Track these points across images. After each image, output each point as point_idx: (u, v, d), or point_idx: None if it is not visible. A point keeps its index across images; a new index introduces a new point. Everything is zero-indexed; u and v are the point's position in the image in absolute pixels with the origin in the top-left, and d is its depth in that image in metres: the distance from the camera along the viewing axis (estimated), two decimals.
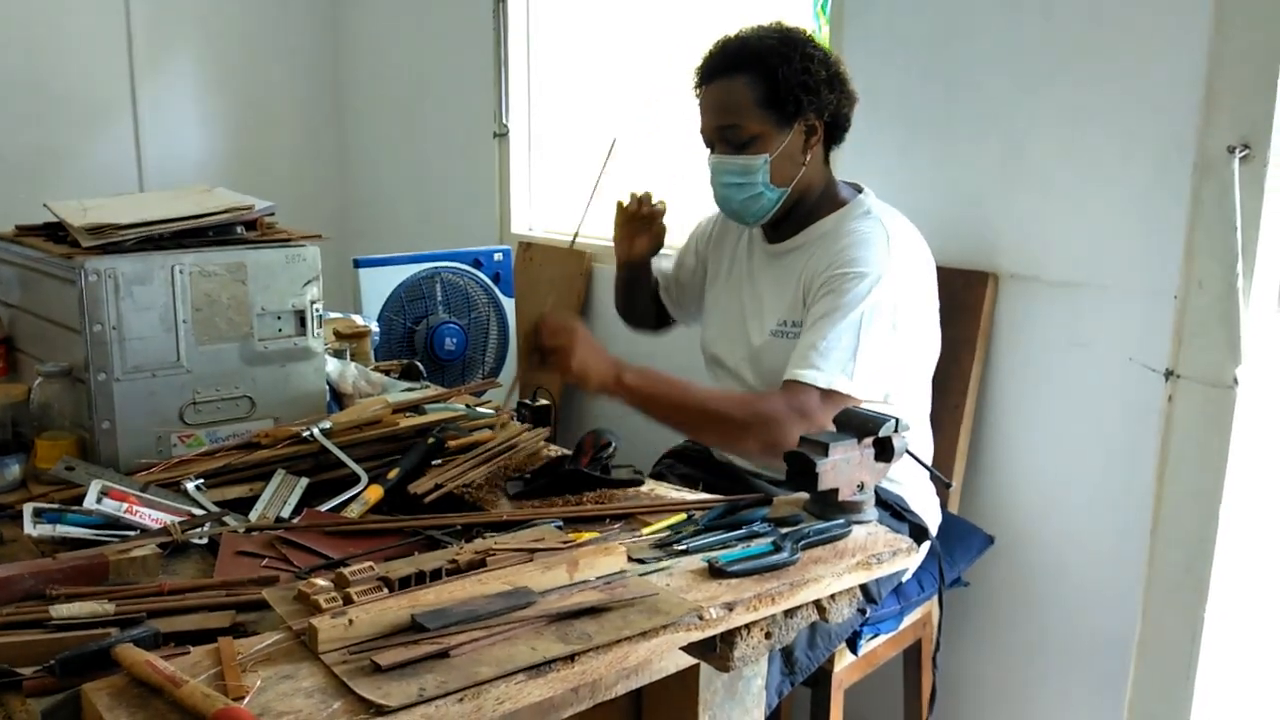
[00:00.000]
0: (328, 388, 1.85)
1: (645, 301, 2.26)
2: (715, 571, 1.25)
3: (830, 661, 1.82)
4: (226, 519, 1.46)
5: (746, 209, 1.85)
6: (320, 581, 1.13)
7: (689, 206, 2.42)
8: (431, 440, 1.67)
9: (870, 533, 1.40)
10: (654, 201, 2.13)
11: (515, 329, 3.08)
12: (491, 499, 1.57)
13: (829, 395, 1.68)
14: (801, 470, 1.39)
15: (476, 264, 3.00)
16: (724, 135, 1.81)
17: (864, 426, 1.44)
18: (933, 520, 1.96)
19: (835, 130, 1.87)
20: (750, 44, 1.80)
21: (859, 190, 1.90)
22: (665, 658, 1.31)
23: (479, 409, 1.86)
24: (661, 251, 2.22)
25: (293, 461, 1.62)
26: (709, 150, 1.86)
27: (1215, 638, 1.85)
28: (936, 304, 1.90)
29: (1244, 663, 1.91)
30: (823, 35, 2.52)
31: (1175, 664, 1.88)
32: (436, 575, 1.16)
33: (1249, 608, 1.89)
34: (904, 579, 1.89)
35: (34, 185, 3.48)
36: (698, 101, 1.86)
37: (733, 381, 1.96)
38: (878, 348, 1.71)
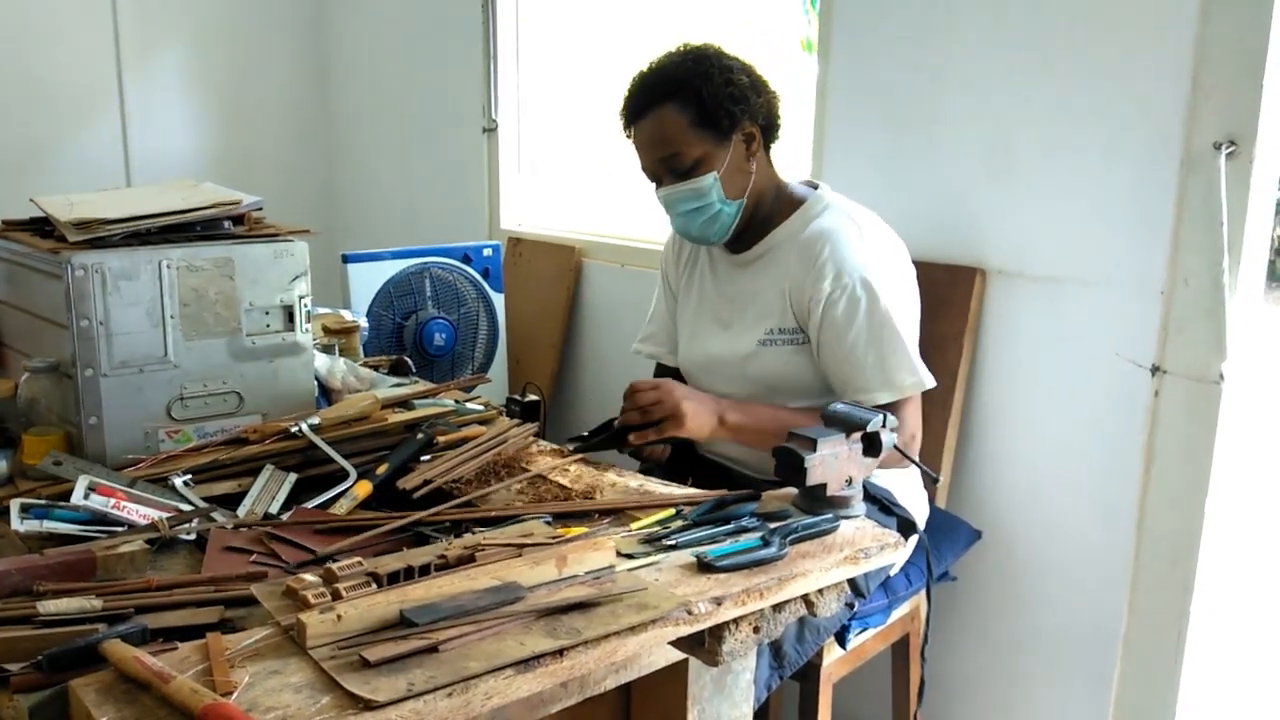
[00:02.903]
0: (316, 383, 1.84)
1: None
2: (704, 566, 1.25)
3: (818, 655, 1.83)
4: (214, 515, 1.46)
5: (709, 230, 1.86)
6: (308, 577, 1.13)
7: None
8: (420, 436, 1.67)
9: (858, 527, 1.41)
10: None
11: (504, 326, 3.08)
12: (481, 494, 1.57)
13: (908, 400, 1.79)
14: (790, 465, 1.40)
15: (466, 259, 3.01)
16: (668, 166, 1.81)
17: (851, 422, 1.45)
18: (920, 515, 1.97)
19: (770, 131, 1.88)
20: (667, 72, 1.81)
21: (814, 187, 1.91)
22: (654, 652, 1.32)
23: (468, 404, 1.87)
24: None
25: (281, 457, 1.62)
26: (655, 185, 1.86)
27: (1201, 632, 1.86)
28: (916, 286, 1.91)
29: (1229, 657, 1.93)
30: (812, 31, 2.52)
31: (1161, 657, 1.89)
32: (425, 570, 1.16)
33: (1234, 602, 1.90)
34: (892, 573, 1.90)
35: (20, 180, 3.47)
36: (631, 142, 1.87)
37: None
38: (910, 331, 1.81)
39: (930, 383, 1.82)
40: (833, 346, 1.79)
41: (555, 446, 1.77)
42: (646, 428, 1.71)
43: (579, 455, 1.71)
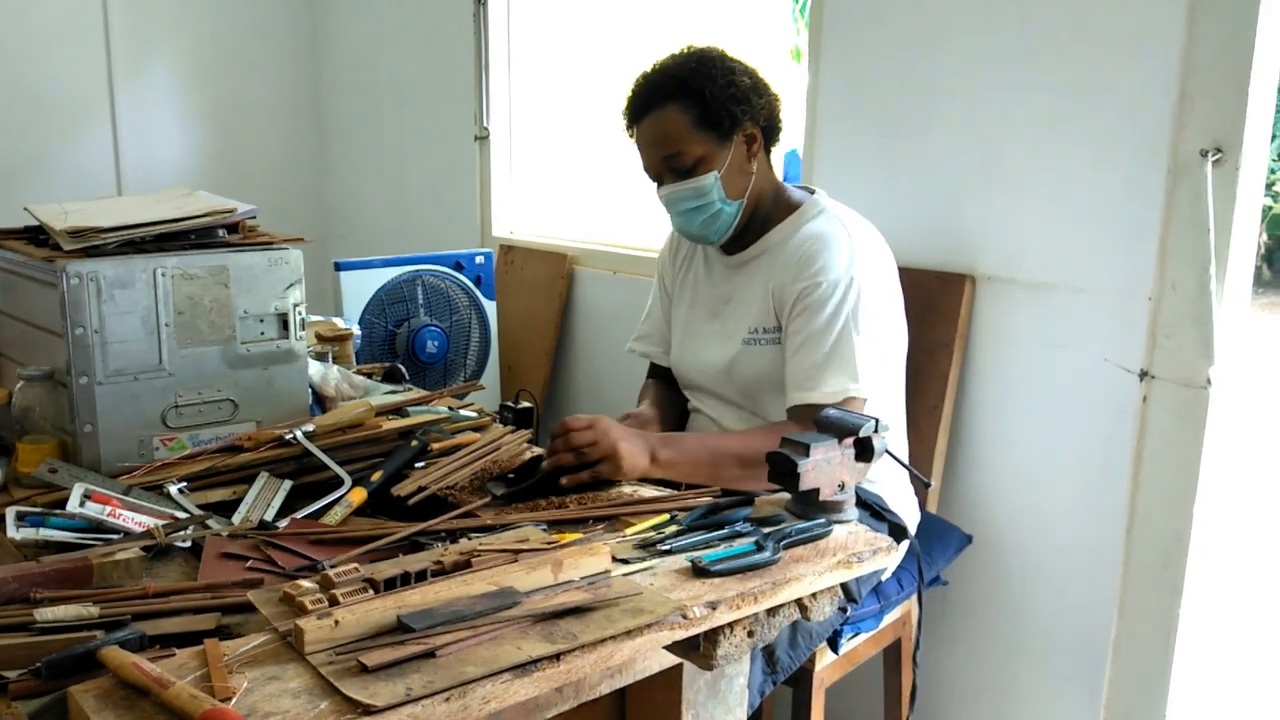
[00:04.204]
0: (310, 390, 1.85)
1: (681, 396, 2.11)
2: (698, 571, 1.26)
3: (811, 660, 1.84)
4: (210, 522, 1.46)
5: (709, 229, 1.87)
6: (305, 583, 1.14)
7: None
8: (415, 443, 1.67)
9: (851, 532, 1.42)
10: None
11: (496, 333, 3.09)
12: (475, 501, 1.57)
13: (849, 402, 1.73)
14: (783, 470, 1.41)
15: (458, 267, 3.01)
16: (670, 165, 1.83)
17: (844, 427, 1.46)
18: (912, 519, 1.98)
19: (771, 133, 1.90)
20: (671, 72, 1.83)
21: (811, 192, 1.93)
22: (649, 657, 1.33)
23: (462, 411, 1.87)
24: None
25: (276, 464, 1.62)
26: (657, 185, 1.88)
27: (1190, 635, 1.87)
28: (901, 297, 1.92)
29: (1219, 660, 1.94)
30: (801, 40, 2.54)
31: (1151, 661, 1.90)
32: (422, 576, 1.16)
33: (1223, 605, 1.91)
34: (883, 578, 1.91)
35: (11, 189, 3.47)
36: (633, 141, 1.88)
37: (711, 399, 1.98)
38: (869, 344, 1.77)
39: (861, 394, 1.74)
40: (793, 338, 1.80)
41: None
42: (580, 469, 1.60)
43: (504, 504, 1.55)
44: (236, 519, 1.49)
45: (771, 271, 1.86)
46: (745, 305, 1.90)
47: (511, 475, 1.64)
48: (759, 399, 1.89)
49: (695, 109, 1.79)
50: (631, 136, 1.88)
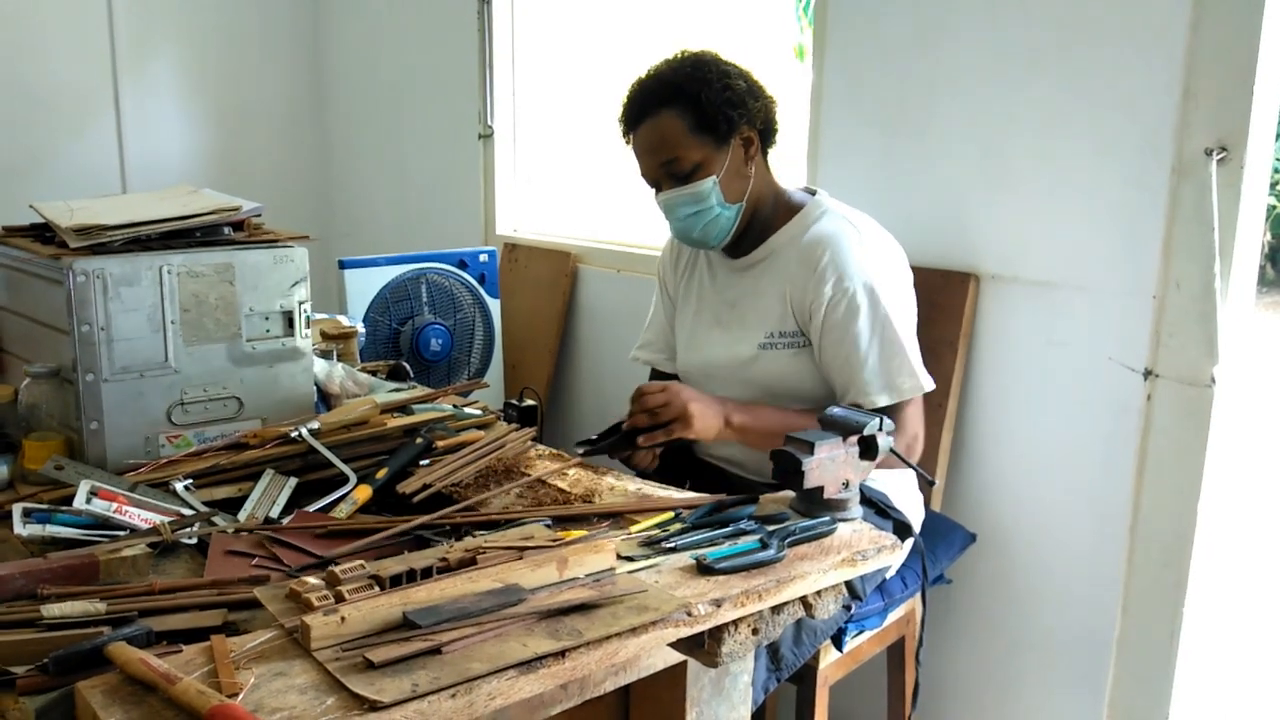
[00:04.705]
0: (315, 388, 1.85)
1: None
2: (703, 568, 1.26)
3: (815, 658, 1.84)
4: (215, 519, 1.47)
5: (708, 234, 1.87)
6: (311, 580, 1.14)
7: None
8: (419, 440, 1.68)
9: (855, 530, 1.42)
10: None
11: (500, 331, 3.09)
12: (480, 499, 1.58)
13: (909, 403, 1.80)
14: (788, 468, 1.41)
15: (462, 265, 3.02)
16: (668, 171, 1.83)
17: (848, 425, 1.46)
18: (916, 517, 1.98)
19: (768, 136, 1.90)
20: (666, 78, 1.83)
21: (812, 193, 1.93)
22: (653, 654, 1.33)
23: (466, 409, 1.87)
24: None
25: (281, 462, 1.63)
26: (655, 191, 1.88)
27: (1194, 634, 1.87)
28: (913, 289, 1.92)
29: (1222, 658, 1.94)
30: (805, 38, 2.54)
31: (1155, 659, 1.90)
32: (427, 573, 1.17)
33: (1227, 604, 1.92)
34: (887, 576, 1.91)
35: (16, 186, 3.47)
36: (630, 148, 1.89)
37: None
38: (911, 335, 1.83)
39: (929, 385, 1.83)
40: (833, 350, 1.81)
41: (554, 451, 1.78)
42: (655, 429, 1.72)
43: (586, 458, 1.72)
44: (242, 516, 1.50)
45: (784, 276, 1.86)
46: (758, 309, 1.90)
47: (595, 436, 1.75)
48: (776, 401, 1.90)
49: (691, 114, 1.80)
50: (628, 143, 1.89)
